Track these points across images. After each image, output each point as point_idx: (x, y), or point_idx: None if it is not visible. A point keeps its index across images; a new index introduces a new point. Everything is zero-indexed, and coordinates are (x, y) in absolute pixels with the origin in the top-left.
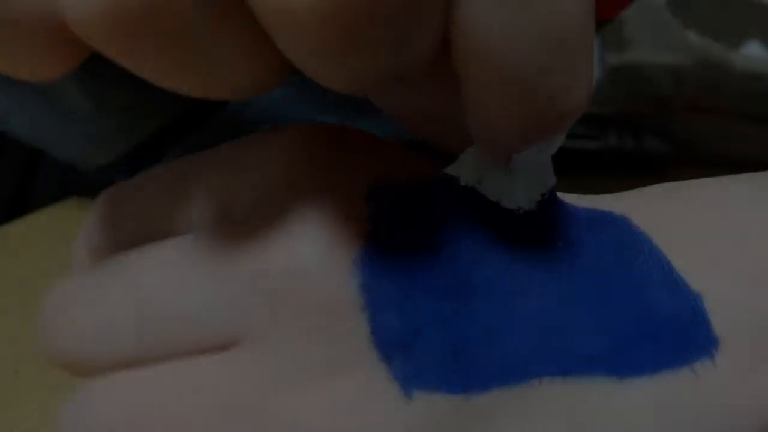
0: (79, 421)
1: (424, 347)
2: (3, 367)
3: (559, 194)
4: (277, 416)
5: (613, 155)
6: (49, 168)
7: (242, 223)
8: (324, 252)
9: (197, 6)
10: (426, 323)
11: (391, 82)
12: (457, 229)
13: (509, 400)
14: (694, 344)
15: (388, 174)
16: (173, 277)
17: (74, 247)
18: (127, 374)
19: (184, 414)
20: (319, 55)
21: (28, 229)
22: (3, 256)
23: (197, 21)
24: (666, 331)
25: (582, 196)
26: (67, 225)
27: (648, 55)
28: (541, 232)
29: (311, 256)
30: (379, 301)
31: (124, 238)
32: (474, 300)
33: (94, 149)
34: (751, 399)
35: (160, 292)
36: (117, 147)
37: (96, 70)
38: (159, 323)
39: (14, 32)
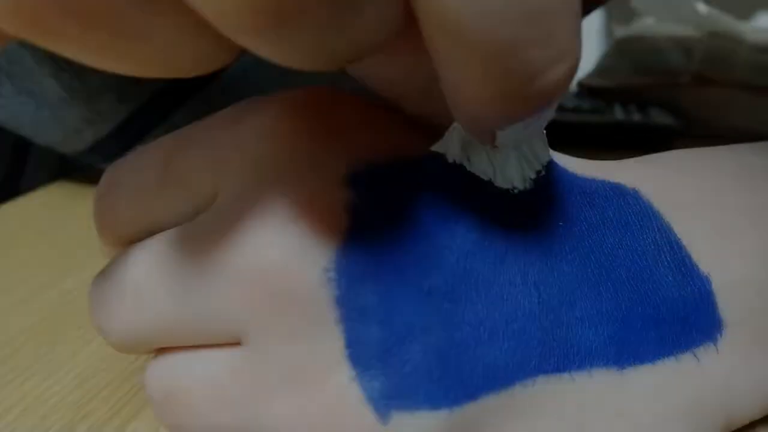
0: (146, 384)
1: (404, 361)
2: (14, 338)
3: (566, 158)
4: (259, 415)
5: (619, 129)
6: (40, 151)
7: (225, 218)
8: (298, 252)
9: None
10: (408, 334)
11: (352, 62)
12: (446, 216)
13: (498, 406)
14: (697, 329)
15: (372, 151)
16: (163, 277)
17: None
18: (165, 356)
19: (194, 398)
20: (256, 40)
21: (22, 211)
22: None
23: (122, 4)
24: (670, 316)
25: (590, 161)
26: (60, 206)
27: (656, 27)
28: (538, 213)
29: (286, 256)
30: (355, 312)
31: (125, 227)
32: (464, 299)
33: (71, 135)
34: (754, 382)
35: (153, 294)
36: (91, 132)
37: (65, 57)
38: (158, 324)
39: None
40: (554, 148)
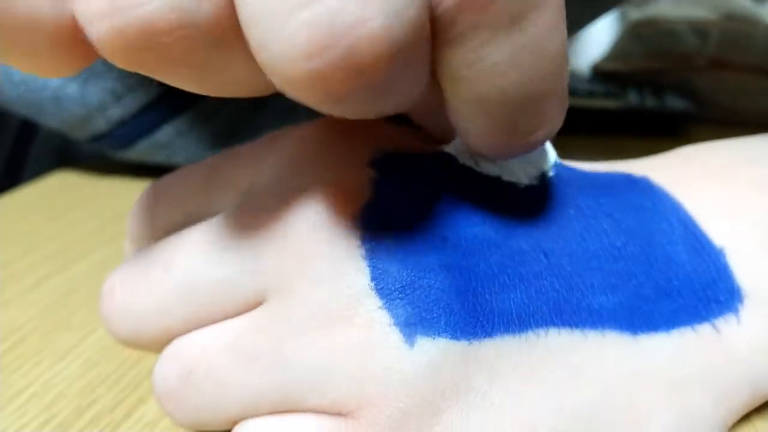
0: (155, 380)
1: (426, 293)
2: (23, 325)
3: (574, 163)
4: (288, 362)
5: (633, 114)
6: (42, 142)
7: (259, 197)
8: (328, 209)
9: (199, 41)
10: (428, 270)
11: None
12: (460, 195)
13: (513, 348)
14: (715, 301)
15: (389, 146)
16: (202, 252)
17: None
18: (180, 339)
19: (219, 368)
20: (309, 102)
21: (28, 199)
22: (9, 223)
23: (199, 49)
24: (685, 289)
25: (598, 164)
26: (66, 194)
27: (671, 9)
28: (547, 202)
29: (317, 213)
30: (379, 250)
31: (159, 227)
32: (476, 255)
33: (94, 113)
34: None
35: (193, 266)
36: (117, 110)
37: None
38: (192, 293)
39: (32, 32)
40: (568, 133)
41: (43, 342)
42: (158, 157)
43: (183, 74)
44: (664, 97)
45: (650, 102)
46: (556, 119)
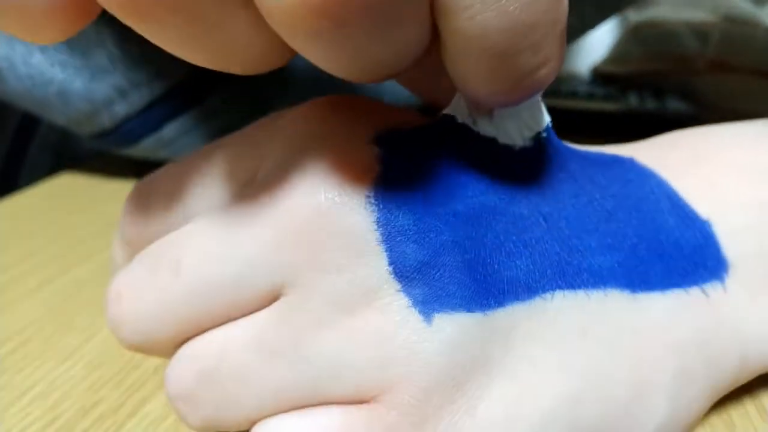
0: (169, 382)
1: (441, 271)
2: (26, 326)
3: (564, 143)
4: (312, 353)
5: (633, 116)
6: (40, 142)
7: (265, 186)
8: (339, 192)
9: None
10: (441, 248)
11: (388, 77)
12: (461, 165)
13: (524, 317)
14: (703, 266)
15: (392, 121)
16: (211, 250)
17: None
18: (195, 340)
19: (241, 365)
20: (309, 41)
21: (32, 201)
22: (12, 226)
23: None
24: (675, 252)
25: (587, 147)
26: (70, 196)
27: (672, 12)
28: (540, 165)
29: (328, 199)
30: (394, 232)
31: (156, 226)
32: (483, 225)
33: (99, 108)
34: (760, 323)
35: (202, 266)
36: (123, 106)
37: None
38: (206, 293)
39: None
40: (567, 136)
41: (47, 343)
42: (162, 155)
43: (179, 26)
44: (665, 99)
45: (650, 104)
46: (555, 56)
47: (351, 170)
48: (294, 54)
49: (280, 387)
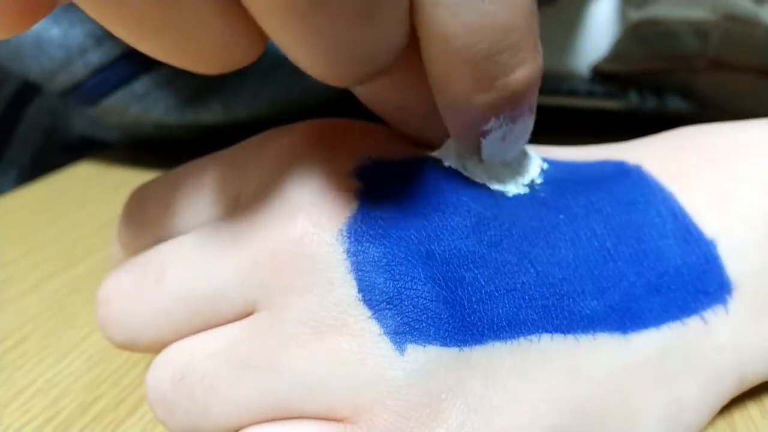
0: (148, 387)
1: (414, 303)
2: (26, 323)
3: (567, 150)
4: (282, 370)
5: (633, 115)
6: (29, 123)
7: (247, 209)
8: (313, 224)
9: None
10: (413, 282)
11: (372, 76)
12: (443, 206)
13: (506, 354)
14: (704, 293)
15: (376, 153)
16: (193, 265)
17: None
18: (172, 346)
19: (211, 373)
20: (284, 25)
21: (32, 198)
22: (12, 222)
23: None
24: (674, 283)
25: (592, 147)
26: (69, 193)
27: (671, 10)
28: (536, 211)
29: (302, 228)
30: (364, 263)
31: (149, 233)
32: (461, 267)
33: (74, 56)
34: (761, 342)
35: (184, 279)
36: (97, 55)
37: None
38: (185, 303)
39: None
40: (567, 134)
41: (46, 340)
42: (133, 112)
43: (150, 18)
44: (665, 97)
45: (651, 103)
46: (531, 59)
47: (328, 203)
48: (260, 51)
49: (251, 398)
